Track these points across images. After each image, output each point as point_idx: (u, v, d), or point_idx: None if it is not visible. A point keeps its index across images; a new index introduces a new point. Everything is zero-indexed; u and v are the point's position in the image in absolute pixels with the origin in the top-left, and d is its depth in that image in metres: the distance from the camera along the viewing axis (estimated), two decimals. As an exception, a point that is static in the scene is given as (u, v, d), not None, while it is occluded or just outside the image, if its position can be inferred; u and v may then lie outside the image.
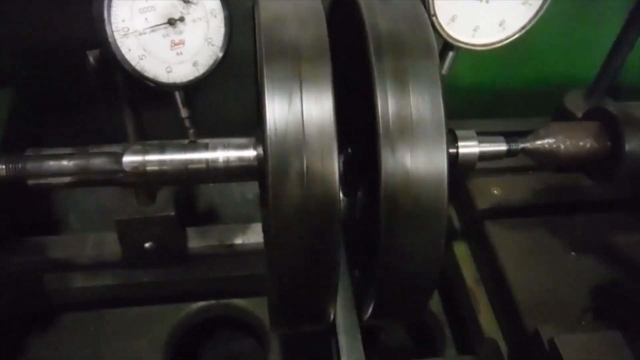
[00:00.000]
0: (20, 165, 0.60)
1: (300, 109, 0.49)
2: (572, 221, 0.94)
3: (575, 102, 0.96)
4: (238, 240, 1.03)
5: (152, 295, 1.05)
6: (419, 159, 0.51)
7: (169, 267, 1.01)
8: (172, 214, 0.92)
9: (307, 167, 0.49)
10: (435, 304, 1.10)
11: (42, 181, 0.58)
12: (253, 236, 1.01)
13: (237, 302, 1.10)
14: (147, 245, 0.94)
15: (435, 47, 0.51)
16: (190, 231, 1.03)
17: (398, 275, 0.56)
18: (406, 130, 0.51)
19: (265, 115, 0.49)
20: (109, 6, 0.52)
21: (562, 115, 0.96)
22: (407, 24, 0.51)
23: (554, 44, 1.28)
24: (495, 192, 0.97)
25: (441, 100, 0.51)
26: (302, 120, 0.49)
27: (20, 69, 1.11)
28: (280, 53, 0.50)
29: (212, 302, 1.09)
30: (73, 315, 1.04)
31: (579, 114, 0.94)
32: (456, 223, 1.03)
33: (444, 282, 1.04)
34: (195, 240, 1.02)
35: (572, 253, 0.90)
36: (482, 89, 1.29)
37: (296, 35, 0.51)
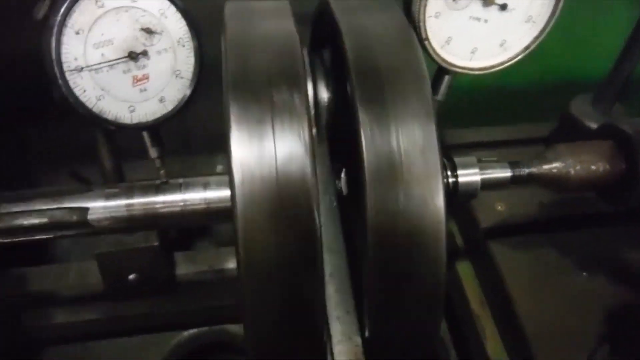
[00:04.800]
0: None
1: (273, 148, 0.43)
2: (583, 237, 0.88)
3: (582, 109, 0.90)
4: (229, 265, 0.98)
5: (140, 326, 0.99)
6: (411, 203, 0.45)
7: (156, 297, 0.95)
8: (156, 244, 0.86)
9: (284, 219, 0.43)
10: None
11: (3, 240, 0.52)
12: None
13: (231, 327, 1.05)
14: (130, 277, 0.89)
15: (426, 76, 0.45)
16: (178, 256, 0.98)
17: (391, 334, 0.51)
18: (396, 172, 0.45)
19: (231, 156, 0.42)
20: (58, 42, 0.46)
21: (568, 122, 0.90)
22: (394, 51, 0.45)
23: (561, 39, 1.22)
24: (499, 207, 0.91)
25: (434, 136, 0.45)
26: (276, 162, 0.43)
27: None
28: (249, 85, 0.44)
29: (205, 329, 1.04)
30: (57, 349, 0.98)
31: (586, 121, 0.88)
32: (458, 240, 0.97)
33: (448, 300, 0.98)
34: (184, 267, 0.97)
35: (584, 273, 0.84)
36: (484, 88, 1.23)
37: (267, 65, 0.45)
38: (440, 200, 0.46)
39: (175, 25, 0.51)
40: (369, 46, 0.46)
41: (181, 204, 0.57)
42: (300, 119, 0.43)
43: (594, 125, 0.85)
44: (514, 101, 1.22)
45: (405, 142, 0.43)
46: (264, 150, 0.42)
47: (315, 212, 0.43)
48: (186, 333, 1.03)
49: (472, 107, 1.13)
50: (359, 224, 0.49)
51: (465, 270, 0.94)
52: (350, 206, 0.57)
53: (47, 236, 0.53)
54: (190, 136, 1.19)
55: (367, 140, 0.43)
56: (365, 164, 0.44)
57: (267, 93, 0.43)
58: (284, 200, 0.42)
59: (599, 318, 0.77)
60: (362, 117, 0.43)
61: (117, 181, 0.76)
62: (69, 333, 0.95)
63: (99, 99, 0.49)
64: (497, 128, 1.03)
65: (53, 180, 1.22)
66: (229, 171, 0.42)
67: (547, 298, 0.81)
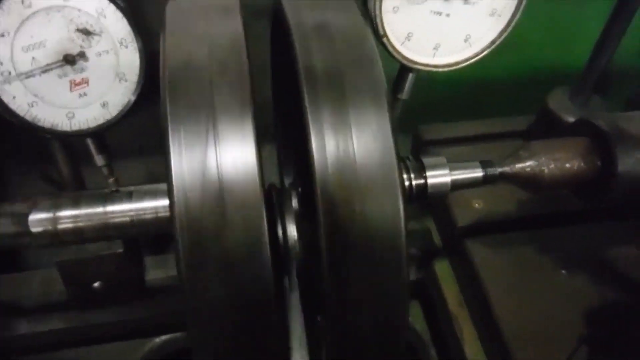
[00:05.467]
0: None
1: (215, 159, 0.39)
2: (562, 234, 0.86)
3: (560, 102, 0.87)
4: (201, 269, 0.94)
5: (111, 334, 0.96)
6: (367, 210, 0.42)
7: (125, 304, 0.92)
8: (120, 250, 0.82)
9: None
10: (419, 321, 1.02)
11: None
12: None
13: (205, 332, 1.02)
14: (95, 285, 0.85)
15: (381, 77, 0.42)
16: (148, 261, 0.95)
17: (353, 330, 0.47)
18: (349, 180, 0.42)
19: (170, 168, 0.39)
20: (-17, 46, 0.42)
21: (546, 116, 0.87)
22: (346, 52, 0.42)
23: (540, 29, 1.19)
24: (477, 205, 0.89)
25: (392, 143, 0.42)
26: (218, 173, 0.39)
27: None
28: (189, 90, 0.41)
29: (178, 334, 1.01)
30: (24, 360, 0.95)
31: (564, 115, 0.86)
32: (436, 239, 0.95)
33: (427, 298, 0.96)
34: (153, 272, 0.94)
35: (563, 271, 0.82)
36: (461, 81, 1.20)
37: (208, 66, 0.42)
38: (399, 208, 0.42)
39: (116, 26, 0.48)
40: (319, 46, 0.43)
41: (131, 213, 0.53)
42: (244, 124, 0.40)
43: (571, 119, 0.83)
44: (493, 93, 1.19)
45: (359, 149, 0.40)
46: (205, 158, 0.39)
47: (264, 222, 0.40)
48: (158, 339, 1.00)
49: (449, 101, 1.10)
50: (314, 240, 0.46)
51: (443, 269, 0.91)
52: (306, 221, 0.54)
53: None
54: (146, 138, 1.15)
55: (318, 149, 0.40)
56: (316, 175, 0.41)
57: (207, 94, 0.40)
58: (228, 207, 0.39)
59: (579, 318, 0.75)
60: (312, 125, 0.40)
61: (76, 187, 0.73)
62: (35, 343, 0.91)
63: (32, 106, 0.45)
64: (474, 122, 1.00)
65: (24, 182, 1.19)
66: (167, 180, 0.39)
67: (525, 298, 0.79)
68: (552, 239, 0.85)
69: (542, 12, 1.18)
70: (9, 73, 0.43)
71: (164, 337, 1.00)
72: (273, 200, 0.50)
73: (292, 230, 0.49)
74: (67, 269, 0.82)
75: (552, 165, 0.59)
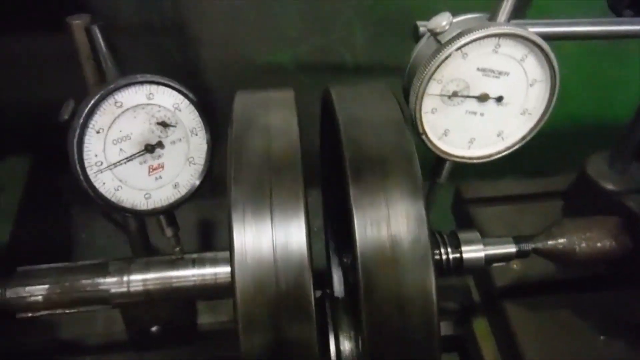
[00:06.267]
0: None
1: (271, 238, 0.46)
2: (601, 299, 0.87)
3: (599, 169, 0.89)
4: (249, 315, 1.00)
5: (164, 373, 1.02)
6: (404, 295, 0.47)
7: (179, 346, 0.98)
8: (177, 297, 0.90)
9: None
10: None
11: (23, 314, 0.57)
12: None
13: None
14: (153, 329, 0.92)
15: (416, 165, 0.47)
16: (200, 306, 1.01)
17: None
18: (387, 261, 0.47)
19: (233, 241, 0.46)
20: (80, 142, 0.50)
21: (584, 182, 0.90)
22: (387, 145, 0.48)
23: (582, 84, 1.21)
24: (515, 266, 0.91)
25: (425, 229, 0.47)
26: (274, 248, 0.46)
27: (37, 132, 1.13)
28: (251, 173, 0.48)
29: (226, 376, 1.06)
30: (86, 393, 1.02)
31: (602, 183, 0.88)
32: (475, 296, 0.97)
33: (465, 355, 0.98)
34: (206, 316, 1.00)
35: (601, 337, 0.83)
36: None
37: (266, 156, 0.49)
38: (431, 285, 0.47)
39: (189, 117, 0.55)
40: (363, 137, 0.49)
41: (194, 279, 0.60)
42: (297, 211, 0.46)
43: (610, 187, 0.85)
44: (533, 148, 1.22)
45: (396, 232, 0.46)
46: (262, 239, 0.45)
47: (311, 295, 0.45)
48: (208, 380, 1.06)
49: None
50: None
51: (481, 326, 0.94)
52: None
53: (68, 311, 0.57)
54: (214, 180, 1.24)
55: (360, 233, 0.45)
56: (359, 256, 0.46)
57: (266, 184, 0.47)
58: (281, 287, 0.45)
59: (616, 386, 0.76)
60: (356, 213, 0.45)
61: (141, 243, 0.80)
62: (96, 380, 0.98)
63: (117, 190, 0.53)
64: (513, 182, 1.03)
65: (87, 222, 1.30)
66: (230, 258, 0.46)
67: (562, 362, 0.80)
68: (590, 303, 0.86)
69: (586, 67, 1.21)
70: (101, 163, 0.51)
71: (213, 379, 1.05)
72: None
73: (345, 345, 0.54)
74: (128, 312, 0.89)
75: (583, 244, 0.62)
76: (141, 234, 0.83)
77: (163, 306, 0.90)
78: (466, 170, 1.05)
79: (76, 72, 0.57)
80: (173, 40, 1.08)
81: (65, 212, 1.29)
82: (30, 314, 0.56)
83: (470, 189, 1.03)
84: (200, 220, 1.28)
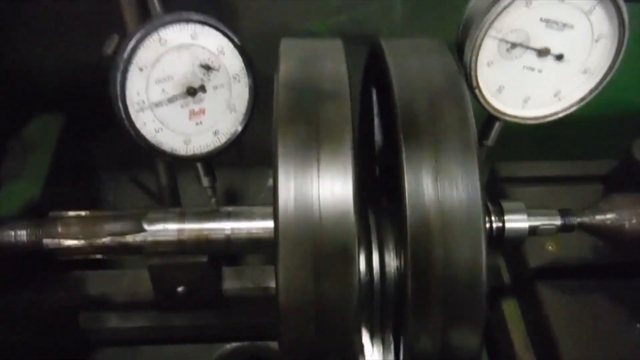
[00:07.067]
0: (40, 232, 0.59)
1: (317, 190, 0.44)
2: (638, 285, 0.84)
3: (646, 152, 0.86)
4: (273, 283, 1.00)
5: (186, 336, 1.03)
6: (453, 257, 0.45)
7: (203, 310, 0.98)
8: (205, 260, 0.89)
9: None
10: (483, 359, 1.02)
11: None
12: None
13: (272, 344, 1.07)
14: (179, 289, 0.92)
15: (472, 129, 0.45)
16: (226, 272, 1.01)
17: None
18: (437, 222, 0.45)
19: (278, 193, 0.44)
20: (123, 78, 0.49)
21: (629, 166, 0.86)
22: (441, 98, 0.46)
23: (629, 71, 1.17)
24: (550, 247, 0.88)
25: (478, 190, 0.45)
26: (319, 203, 0.44)
27: (69, 93, 1.13)
28: (297, 125, 0.46)
29: (246, 343, 1.06)
30: (108, 350, 1.04)
31: (650, 166, 0.84)
32: (505, 277, 0.95)
33: (493, 340, 0.96)
34: (230, 282, 1.00)
35: (638, 325, 0.80)
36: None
37: (315, 106, 0.47)
38: (482, 257, 0.45)
39: (232, 62, 0.54)
40: (416, 89, 0.47)
41: (227, 232, 0.59)
42: (345, 164, 0.44)
43: (658, 170, 0.81)
44: (574, 133, 1.18)
45: (448, 195, 0.44)
46: (307, 192, 0.44)
47: (355, 259, 0.44)
48: (229, 346, 1.06)
49: (528, 137, 1.10)
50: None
51: (510, 309, 0.91)
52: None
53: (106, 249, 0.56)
54: (243, 148, 1.23)
55: (411, 196, 0.43)
56: (408, 220, 0.44)
57: (314, 135, 0.45)
58: (325, 245, 0.43)
59: (651, 375, 0.74)
60: (407, 171, 0.44)
61: (170, 196, 0.80)
62: (120, 337, 0.99)
63: (157, 132, 0.52)
64: (553, 163, 1.00)
65: (115, 187, 1.31)
66: (274, 209, 0.44)
67: (595, 348, 0.78)
68: (628, 290, 0.83)
69: (634, 55, 1.16)
70: (144, 102, 0.50)
71: (234, 345, 1.06)
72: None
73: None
74: (156, 272, 0.89)
75: (634, 220, 0.59)
76: (171, 196, 0.82)
77: (191, 267, 0.90)
78: (502, 151, 1.03)
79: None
80: (209, 7, 1.07)
81: (95, 175, 1.30)
82: (64, 257, 0.56)
83: (506, 168, 1.00)
84: (227, 190, 1.28)
